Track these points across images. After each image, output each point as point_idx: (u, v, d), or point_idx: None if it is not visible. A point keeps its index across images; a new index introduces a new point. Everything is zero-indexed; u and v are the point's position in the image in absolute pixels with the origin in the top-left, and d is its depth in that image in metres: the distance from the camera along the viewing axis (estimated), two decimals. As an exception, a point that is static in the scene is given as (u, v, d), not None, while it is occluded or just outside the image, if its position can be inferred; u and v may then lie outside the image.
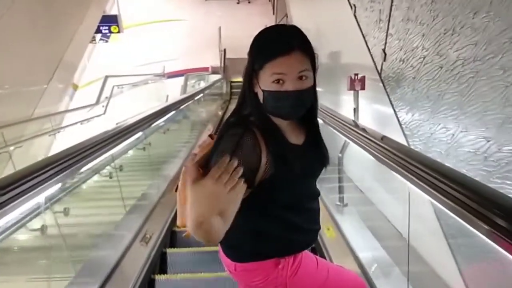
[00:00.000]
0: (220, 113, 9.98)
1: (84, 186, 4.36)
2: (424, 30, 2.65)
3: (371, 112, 3.87)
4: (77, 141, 2.13)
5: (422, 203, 2.14)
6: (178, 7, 15.07)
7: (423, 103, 2.67)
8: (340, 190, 3.46)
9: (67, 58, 7.08)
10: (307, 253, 1.40)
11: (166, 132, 6.17)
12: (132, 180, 4.62)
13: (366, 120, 3.70)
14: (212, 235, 0.94)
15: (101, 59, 12.91)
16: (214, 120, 8.86)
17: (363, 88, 3.59)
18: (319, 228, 1.40)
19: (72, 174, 2.16)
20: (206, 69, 13.50)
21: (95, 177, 4.40)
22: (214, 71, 13.14)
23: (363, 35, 4.01)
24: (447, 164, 1.49)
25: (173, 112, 4.89)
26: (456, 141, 2.25)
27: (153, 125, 3.72)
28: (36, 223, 2.60)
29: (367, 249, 2.65)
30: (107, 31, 11.57)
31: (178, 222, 1.20)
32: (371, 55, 3.75)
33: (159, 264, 2.91)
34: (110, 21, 11.40)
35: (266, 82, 1.13)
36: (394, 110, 3.18)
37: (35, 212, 2.33)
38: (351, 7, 4.32)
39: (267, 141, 1.15)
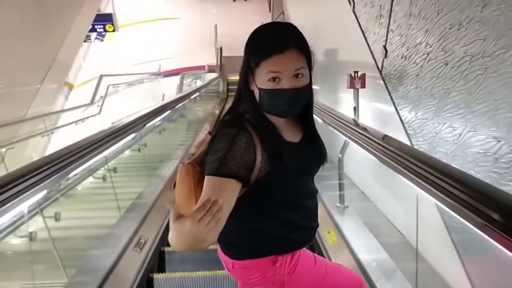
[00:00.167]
0: (217, 112, 9.89)
1: (75, 190, 4.25)
2: (427, 25, 2.55)
3: (372, 110, 3.76)
4: (72, 141, 2.07)
5: (427, 207, 2.05)
6: (173, 5, 14.98)
7: (427, 101, 2.57)
8: (341, 190, 3.37)
9: (61, 58, 6.99)
10: (305, 251, 1.40)
11: (161, 132, 6.09)
12: (127, 182, 4.53)
13: (366, 119, 3.59)
14: (198, 248, 0.95)
15: (96, 58, 12.79)
16: (210, 119, 8.76)
17: (363, 86, 3.48)
18: (317, 226, 1.40)
19: (60, 179, 2.06)
20: (202, 67, 13.48)
21: (88, 180, 4.31)
22: (211, 69, 13.13)
23: (362, 31, 3.90)
24: (453, 165, 1.40)
25: (168, 112, 4.79)
26: (464, 141, 2.15)
27: (147, 126, 3.60)
28: (23, 230, 2.51)
29: (369, 251, 2.56)
30: (102, 29, 11.48)
31: None
32: (371, 52, 3.65)
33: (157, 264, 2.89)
34: (105, 20, 11.32)
35: (262, 80, 1.13)
36: (396, 109, 3.08)
37: (19, 221, 2.24)
38: (350, 2, 4.21)
39: (262, 139, 1.15)
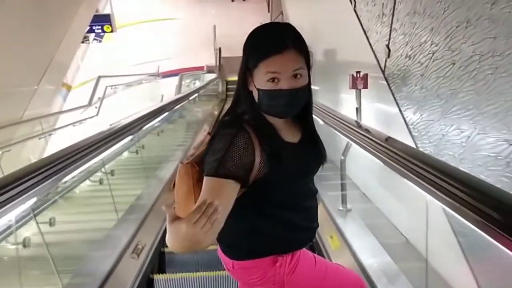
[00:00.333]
0: (216, 112, 9.83)
1: (70, 194, 4.17)
2: (433, 24, 2.47)
3: (374, 111, 3.68)
4: (71, 143, 2.04)
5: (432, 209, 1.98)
6: (172, 6, 14.91)
7: (433, 102, 2.48)
8: (343, 194, 3.30)
9: (58, 59, 6.91)
10: (305, 251, 1.40)
11: (160, 134, 6.02)
12: (125, 184, 4.46)
13: (368, 120, 3.51)
14: (195, 250, 0.95)
15: (95, 59, 12.71)
16: (210, 120, 8.70)
17: (365, 86, 3.40)
18: (317, 226, 1.40)
19: (53, 184, 1.98)
20: (201, 68, 13.47)
21: (85, 183, 4.23)
22: (210, 70, 13.10)
23: (364, 30, 3.82)
24: (462, 169, 1.32)
25: (166, 113, 4.70)
26: (473, 144, 2.06)
27: (144, 128, 3.52)
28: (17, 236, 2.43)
29: (373, 256, 2.49)
30: (100, 30, 11.39)
31: None
32: (374, 52, 3.56)
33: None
34: (103, 21, 11.23)
35: (260, 80, 1.13)
36: (400, 110, 2.99)
37: (11, 229, 2.16)
38: (351, 1, 4.13)
39: (261, 139, 1.15)
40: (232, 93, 1.35)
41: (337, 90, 4.81)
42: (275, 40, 1.13)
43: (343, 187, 3.31)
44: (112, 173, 3.86)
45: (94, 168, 3.84)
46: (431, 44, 2.48)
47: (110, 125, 2.90)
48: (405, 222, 3.05)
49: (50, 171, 1.71)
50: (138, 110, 3.65)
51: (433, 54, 2.46)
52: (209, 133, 1.25)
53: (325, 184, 3.48)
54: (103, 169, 3.72)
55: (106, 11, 11.88)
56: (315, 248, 2.95)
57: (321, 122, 3.07)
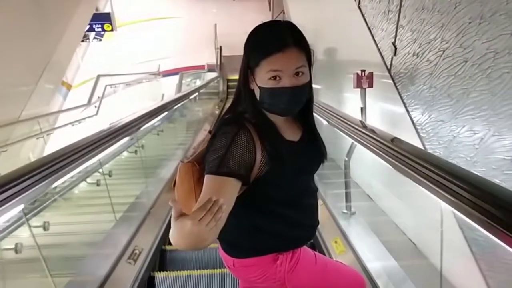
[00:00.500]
0: (217, 112, 9.74)
1: (66, 195, 4.08)
2: (443, 20, 2.35)
3: (379, 111, 3.57)
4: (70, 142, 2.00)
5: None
6: (173, 4, 14.82)
7: (443, 102, 2.37)
8: (347, 196, 3.20)
9: (56, 58, 6.82)
10: (305, 248, 1.41)
11: (160, 134, 5.91)
12: (123, 185, 4.37)
13: (373, 120, 3.40)
14: (199, 247, 0.94)
15: (95, 58, 12.62)
16: (210, 119, 8.61)
17: (371, 85, 3.30)
18: (317, 224, 1.40)
19: (47, 186, 1.88)
20: (202, 67, 13.40)
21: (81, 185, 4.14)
22: (210, 69, 13.03)
23: (369, 28, 3.71)
24: (474, 172, 1.23)
25: (166, 113, 4.60)
26: (486, 146, 1.96)
27: (142, 129, 3.42)
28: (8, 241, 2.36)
29: (379, 261, 2.41)
30: (100, 29, 11.32)
31: None
32: (379, 50, 3.46)
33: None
34: (103, 19, 11.17)
35: (262, 79, 1.13)
36: (407, 110, 2.88)
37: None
38: (355, -2, 4.03)
39: (262, 138, 1.16)
40: (233, 91, 1.34)
41: (339, 90, 4.70)
42: (277, 38, 1.12)
43: (347, 190, 3.20)
44: (110, 174, 3.78)
45: (91, 169, 3.75)
46: (442, 41, 2.37)
47: (110, 124, 2.84)
48: (414, 226, 2.95)
49: (44, 173, 1.64)
50: (137, 109, 3.56)
51: (444, 51, 2.35)
52: (209, 132, 1.25)
53: (328, 186, 3.39)
54: (100, 170, 3.62)
55: (107, 9, 11.82)
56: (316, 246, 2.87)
57: (325, 122, 2.98)
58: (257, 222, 1.27)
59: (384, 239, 2.67)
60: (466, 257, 2.13)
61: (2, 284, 2.43)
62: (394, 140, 1.83)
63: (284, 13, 10.45)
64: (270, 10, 14.49)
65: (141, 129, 3.45)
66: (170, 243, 3.20)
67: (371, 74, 3.31)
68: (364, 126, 2.37)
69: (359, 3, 3.98)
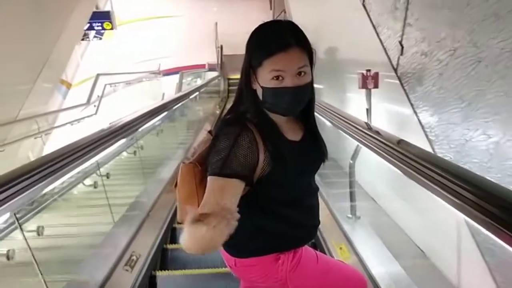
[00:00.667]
0: (217, 111, 9.66)
1: (63, 197, 4.00)
2: (454, 17, 2.25)
3: (385, 113, 3.47)
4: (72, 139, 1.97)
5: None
6: (173, 3, 14.73)
7: (454, 104, 2.27)
8: (352, 200, 3.10)
9: (55, 56, 6.73)
10: (307, 248, 1.41)
11: (159, 134, 5.83)
12: (121, 186, 4.29)
13: (378, 122, 3.30)
14: (209, 252, 0.95)
15: (95, 56, 12.54)
16: (211, 119, 8.53)
17: (376, 86, 3.19)
18: (319, 223, 1.41)
19: (41, 189, 1.79)
20: (202, 66, 13.35)
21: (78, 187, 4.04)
22: (211, 68, 12.97)
23: (374, 26, 3.61)
24: (489, 178, 1.14)
25: (165, 113, 4.51)
26: (502, 151, 1.85)
27: (140, 129, 3.33)
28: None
29: (385, 267, 2.33)
30: (100, 27, 11.23)
31: (178, 218, 1.24)
32: (384, 49, 3.35)
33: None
34: (103, 18, 11.07)
35: (265, 79, 1.14)
36: (415, 111, 2.78)
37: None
38: (359, -4, 3.93)
39: (264, 138, 1.16)
40: (234, 89, 1.35)
41: (342, 90, 4.60)
42: (279, 38, 1.13)
43: (352, 194, 3.11)
44: (107, 176, 3.70)
45: (88, 171, 3.66)
46: (453, 40, 2.27)
47: (110, 123, 2.75)
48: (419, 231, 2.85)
49: (40, 174, 1.57)
50: (138, 108, 3.48)
51: (455, 51, 2.25)
52: (209, 132, 1.27)
53: (331, 190, 3.30)
54: (98, 172, 3.53)
55: (107, 8, 11.75)
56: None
57: (328, 123, 2.89)
58: (259, 222, 1.28)
59: (390, 245, 2.59)
60: (480, 266, 2.03)
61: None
62: (400, 142, 1.77)
63: (285, 12, 10.37)
64: (271, 9, 14.43)
65: (142, 128, 3.36)
66: (171, 242, 3.23)
67: (376, 74, 3.21)
68: (370, 128, 2.29)
69: (363, 1, 3.88)
